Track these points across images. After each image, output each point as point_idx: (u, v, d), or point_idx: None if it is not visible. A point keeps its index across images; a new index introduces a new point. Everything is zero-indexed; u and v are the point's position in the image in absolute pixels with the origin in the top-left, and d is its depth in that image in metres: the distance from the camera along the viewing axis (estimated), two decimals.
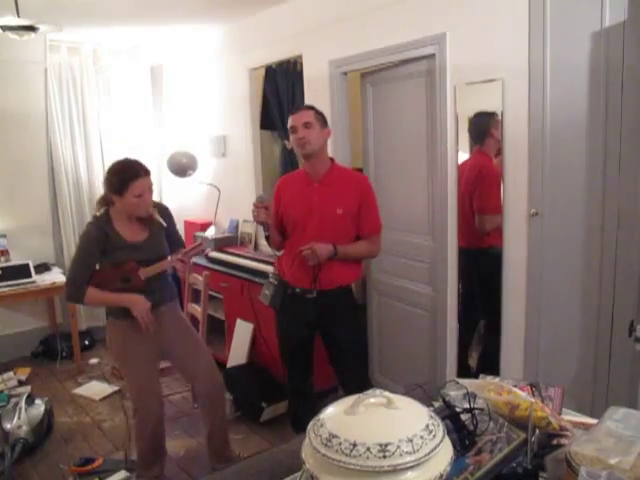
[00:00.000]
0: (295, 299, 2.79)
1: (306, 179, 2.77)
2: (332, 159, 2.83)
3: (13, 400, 3.63)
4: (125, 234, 2.69)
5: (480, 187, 3.00)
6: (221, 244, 4.73)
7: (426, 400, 1.24)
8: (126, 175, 2.59)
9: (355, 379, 2.85)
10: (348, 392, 1.63)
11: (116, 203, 2.66)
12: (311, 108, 2.75)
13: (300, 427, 2.83)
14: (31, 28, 3.09)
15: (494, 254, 2.89)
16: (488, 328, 3.06)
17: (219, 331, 4.45)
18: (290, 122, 2.70)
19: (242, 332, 4.15)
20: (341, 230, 2.70)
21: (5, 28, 3.04)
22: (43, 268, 4.84)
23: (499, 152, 2.81)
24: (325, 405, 1.08)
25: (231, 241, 4.82)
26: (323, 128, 2.71)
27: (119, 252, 2.67)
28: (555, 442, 1.23)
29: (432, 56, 3.05)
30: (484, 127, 2.89)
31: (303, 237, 2.70)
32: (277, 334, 2.99)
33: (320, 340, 2.93)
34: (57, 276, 4.69)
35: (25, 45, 4.17)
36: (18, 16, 3.01)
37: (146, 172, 2.65)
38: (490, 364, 2.97)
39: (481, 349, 3.14)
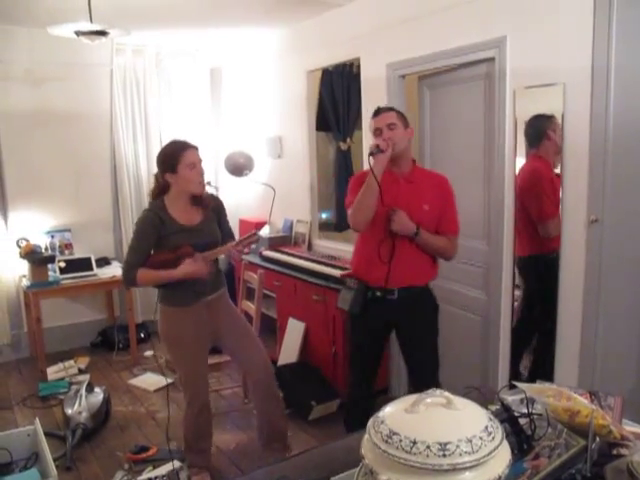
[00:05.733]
0: (376, 302, 2.70)
1: (391, 175, 2.66)
2: (414, 160, 2.78)
3: (74, 387, 3.81)
4: (180, 218, 2.75)
5: (535, 192, 2.96)
6: (275, 243, 4.80)
7: (482, 403, 1.25)
8: (175, 148, 2.72)
9: (426, 382, 2.75)
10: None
11: (172, 186, 2.74)
12: (392, 109, 2.69)
13: (353, 427, 2.77)
14: (102, 33, 3.22)
15: (551, 260, 2.84)
16: (543, 335, 3.01)
17: (271, 329, 4.52)
18: (373, 125, 2.64)
19: (294, 331, 4.21)
20: (424, 226, 2.62)
21: (79, 33, 3.18)
22: (103, 262, 5.03)
23: (556, 155, 2.76)
24: (380, 405, 1.10)
25: (285, 241, 4.89)
26: (406, 128, 2.66)
27: (174, 236, 2.72)
28: (615, 452, 1.22)
29: (492, 59, 3.03)
30: (541, 129, 2.85)
31: (384, 230, 2.61)
32: (352, 339, 2.90)
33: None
34: (116, 270, 4.83)
35: (94, 49, 4.33)
36: (91, 22, 3.14)
37: (193, 145, 2.75)
38: (543, 371, 2.93)
39: (534, 356, 3.10)
